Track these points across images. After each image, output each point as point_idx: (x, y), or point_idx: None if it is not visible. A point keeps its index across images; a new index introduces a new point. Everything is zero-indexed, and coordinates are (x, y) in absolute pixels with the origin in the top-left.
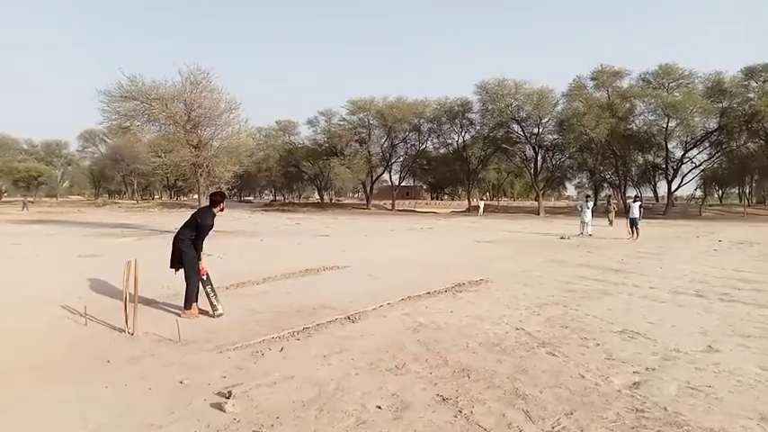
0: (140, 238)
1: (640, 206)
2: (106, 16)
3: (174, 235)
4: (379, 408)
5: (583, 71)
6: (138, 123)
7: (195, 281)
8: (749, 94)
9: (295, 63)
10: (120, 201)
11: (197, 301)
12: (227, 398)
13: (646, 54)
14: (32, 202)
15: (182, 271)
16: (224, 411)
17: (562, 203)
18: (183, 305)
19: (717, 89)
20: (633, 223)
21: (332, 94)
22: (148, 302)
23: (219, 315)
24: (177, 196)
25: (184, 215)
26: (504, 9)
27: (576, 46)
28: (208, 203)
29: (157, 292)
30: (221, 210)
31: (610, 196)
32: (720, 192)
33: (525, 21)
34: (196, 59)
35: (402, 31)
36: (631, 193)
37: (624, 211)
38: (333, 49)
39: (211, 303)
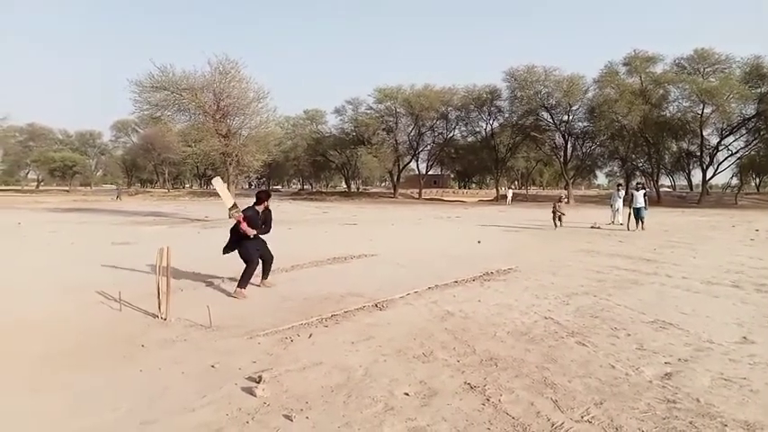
0: (172, 226)
1: (645, 195)
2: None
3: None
4: (407, 394)
5: (615, 56)
6: (169, 113)
7: (253, 267)
8: None
9: (323, 51)
10: (151, 190)
11: (267, 278)
12: (258, 382)
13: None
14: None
15: (217, 256)
16: (254, 395)
17: (592, 192)
18: (233, 289)
19: (755, 74)
20: (637, 213)
21: (361, 83)
22: (181, 288)
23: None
24: (207, 185)
25: (214, 204)
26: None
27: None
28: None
29: (190, 278)
30: (264, 208)
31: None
32: (758, 180)
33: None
34: (226, 49)
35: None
36: (665, 181)
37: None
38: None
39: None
